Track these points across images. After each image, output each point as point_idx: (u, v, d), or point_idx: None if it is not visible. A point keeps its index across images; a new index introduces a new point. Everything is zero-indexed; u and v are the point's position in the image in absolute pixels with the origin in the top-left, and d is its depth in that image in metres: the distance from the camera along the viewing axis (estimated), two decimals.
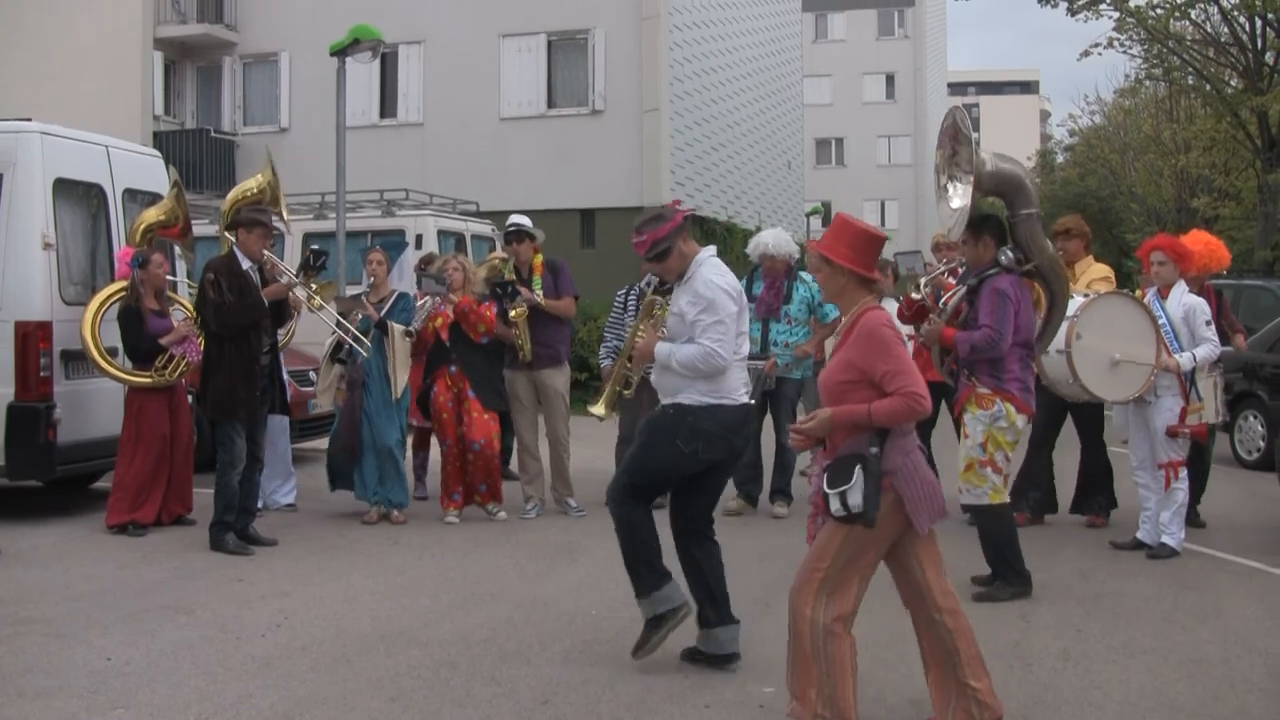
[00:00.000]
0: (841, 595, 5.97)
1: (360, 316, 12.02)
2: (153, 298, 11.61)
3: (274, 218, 11.95)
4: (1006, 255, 9.02)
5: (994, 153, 9.26)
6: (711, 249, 7.52)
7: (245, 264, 10.89)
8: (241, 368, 10.66)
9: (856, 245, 6.09)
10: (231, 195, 12.75)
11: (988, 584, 9.19)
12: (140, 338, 11.42)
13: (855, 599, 6.01)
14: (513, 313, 12.00)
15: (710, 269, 7.33)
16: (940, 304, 9.50)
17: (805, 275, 12.71)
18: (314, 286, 11.70)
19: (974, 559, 9.42)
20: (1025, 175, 9.39)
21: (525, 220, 12.54)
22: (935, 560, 6.11)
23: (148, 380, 11.45)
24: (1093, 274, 11.52)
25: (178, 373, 11.54)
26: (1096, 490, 11.93)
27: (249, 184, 12.70)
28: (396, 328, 11.90)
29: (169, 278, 12.03)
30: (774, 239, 12.56)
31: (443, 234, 19.70)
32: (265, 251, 11.05)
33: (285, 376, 12.11)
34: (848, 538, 5.88)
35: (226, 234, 11.86)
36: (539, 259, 12.42)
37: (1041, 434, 11.78)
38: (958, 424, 9.61)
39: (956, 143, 9.29)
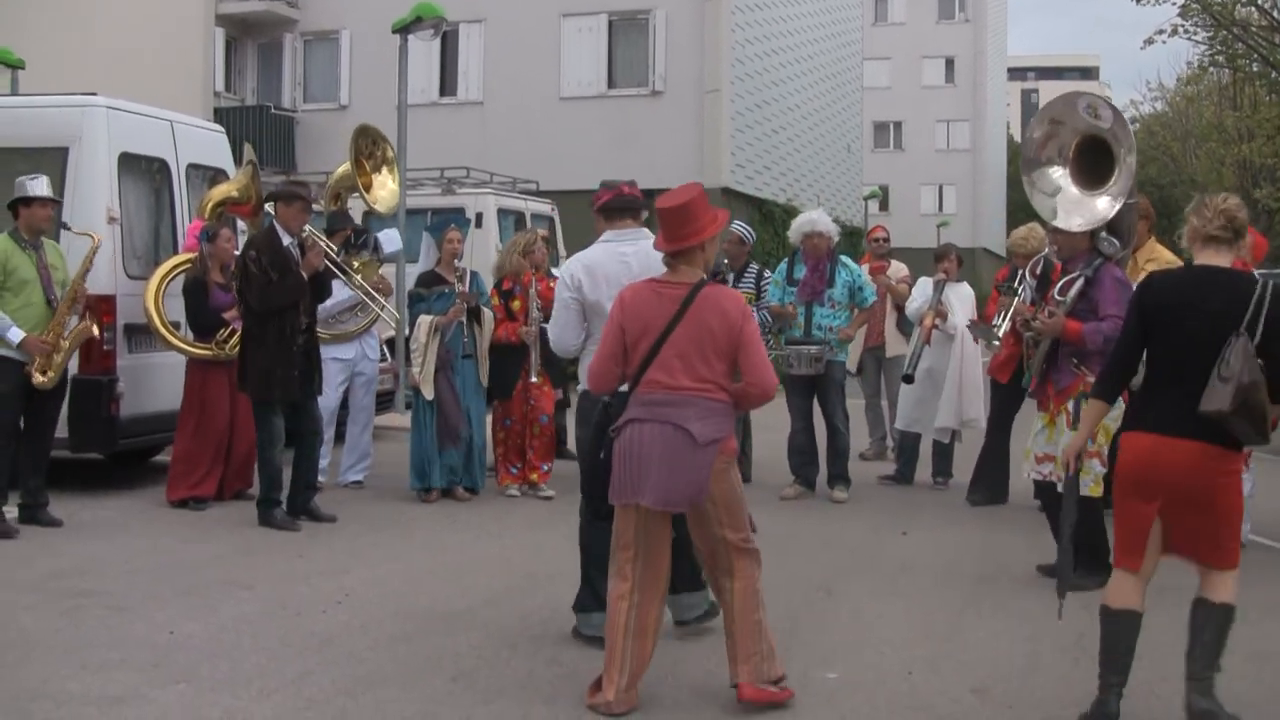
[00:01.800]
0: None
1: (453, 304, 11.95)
2: (218, 272, 11.62)
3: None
4: (1111, 244, 8.90)
5: None
6: (607, 234, 7.57)
7: (286, 240, 10.84)
8: (278, 347, 10.60)
9: None
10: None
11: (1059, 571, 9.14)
12: (204, 310, 11.44)
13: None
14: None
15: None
16: (1057, 296, 9.26)
17: (847, 259, 12.65)
18: (355, 265, 11.71)
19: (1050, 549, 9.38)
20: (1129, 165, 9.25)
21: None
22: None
23: (209, 353, 11.47)
24: (1158, 261, 11.31)
25: (236, 347, 11.56)
26: None
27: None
28: (486, 312, 11.95)
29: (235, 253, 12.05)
30: (819, 217, 12.53)
31: (503, 212, 19.72)
32: (306, 227, 11.01)
33: (369, 352, 12.23)
34: None
35: (267, 211, 11.85)
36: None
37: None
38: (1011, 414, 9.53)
39: (1110, 121, 9.12)
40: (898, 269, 14.75)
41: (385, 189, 13.18)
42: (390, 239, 12.65)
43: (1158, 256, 11.39)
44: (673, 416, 6.16)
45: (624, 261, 7.29)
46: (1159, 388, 6.12)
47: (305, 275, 10.68)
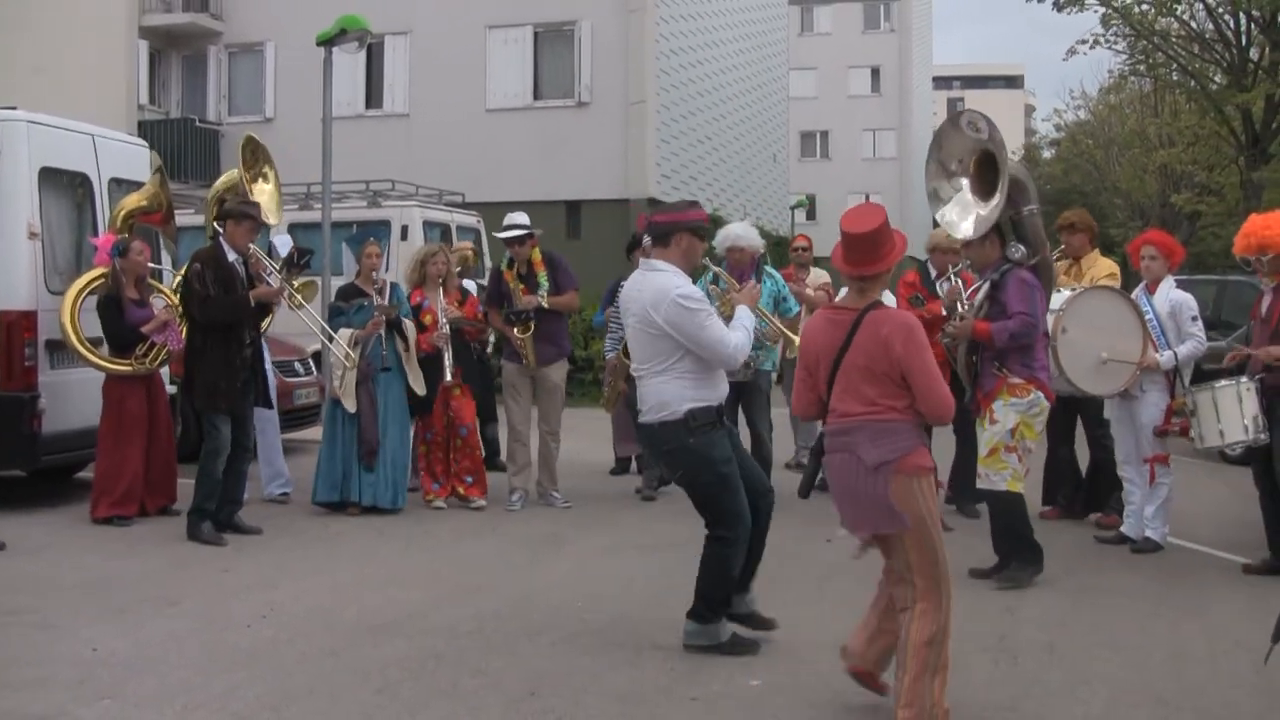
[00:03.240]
0: None
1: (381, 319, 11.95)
2: (133, 286, 11.56)
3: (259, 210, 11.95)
4: (1019, 250, 9.22)
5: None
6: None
7: (231, 256, 10.88)
8: (224, 359, 10.66)
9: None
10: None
11: (999, 571, 9.28)
12: (120, 327, 11.37)
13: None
14: (519, 337, 12.08)
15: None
16: (965, 302, 9.55)
17: (771, 269, 12.73)
18: (295, 284, 11.68)
19: (973, 552, 9.47)
20: (1028, 174, 9.49)
21: (523, 218, 12.48)
22: None
23: (128, 368, 11.40)
24: (1099, 270, 11.46)
25: (158, 361, 11.52)
26: (1114, 487, 11.72)
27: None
28: (408, 323, 11.93)
29: (150, 265, 11.98)
30: (743, 231, 12.58)
31: (428, 225, 19.71)
32: (251, 245, 11.04)
33: (269, 368, 12.15)
34: None
35: (216, 224, 11.81)
36: (538, 254, 12.42)
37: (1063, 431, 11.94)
38: (965, 419, 9.63)
39: (949, 140, 9.35)
40: (817, 276, 14.80)
41: (264, 194, 13.00)
42: (284, 243, 12.64)
43: (1098, 267, 11.54)
44: (847, 444, 6.23)
45: (627, 290, 7.72)
46: None
47: (253, 300, 10.73)
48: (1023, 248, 9.20)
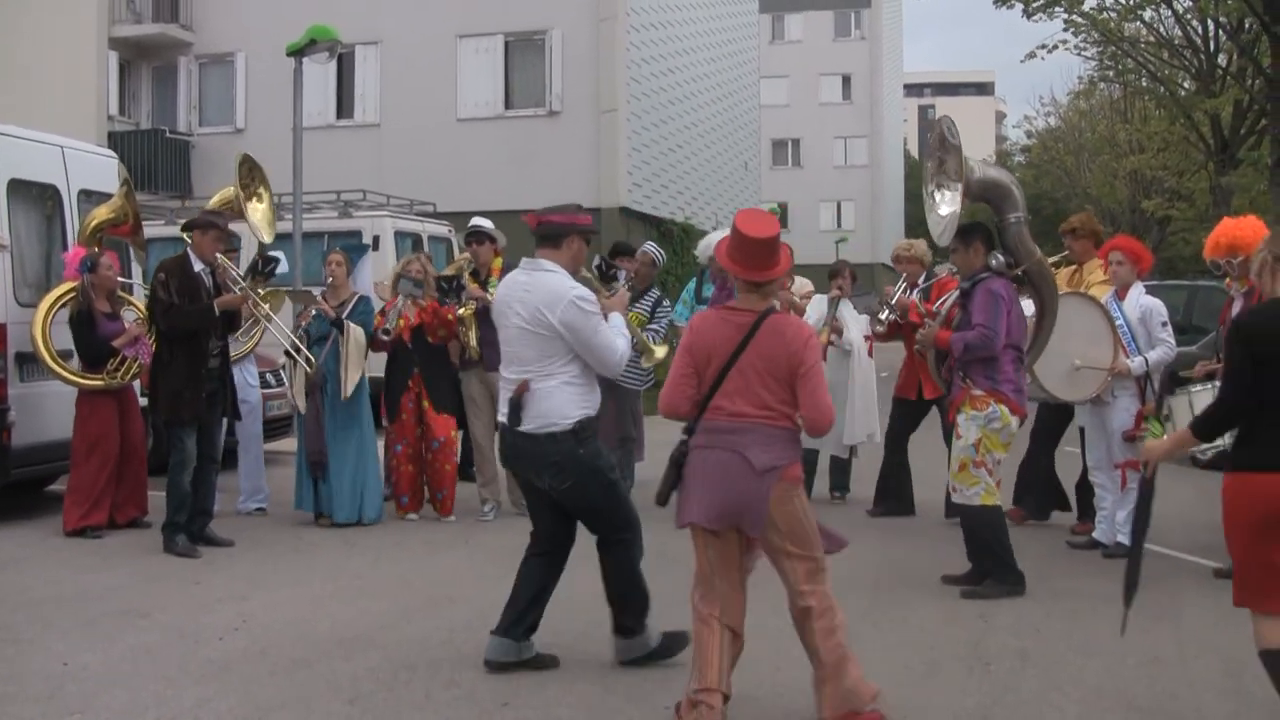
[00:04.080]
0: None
1: (314, 313, 11.95)
2: (104, 300, 11.54)
3: (240, 221, 11.96)
4: (997, 259, 9.12)
5: (982, 160, 9.34)
6: (524, 260, 7.46)
7: (198, 266, 10.84)
8: (189, 370, 10.60)
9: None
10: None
11: (973, 583, 9.26)
12: (92, 342, 11.35)
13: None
14: (461, 310, 12.00)
15: None
16: (934, 309, 9.58)
17: None
18: (261, 293, 11.62)
19: (950, 560, 9.50)
20: (1013, 181, 9.48)
21: (486, 223, 12.51)
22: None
23: (100, 383, 11.38)
24: (1099, 276, 11.44)
25: (130, 375, 11.49)
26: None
27: (226, 193, 12.53)
28: (353, 328, 11.83)
29: (120, 279, 11.94)
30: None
31: (400, 235, 19.68)
32: (218, 254, 11.00)
33: (250, 379, 12.13)
34: None
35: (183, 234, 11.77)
36: (498, 262, 12.40)
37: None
38: (950, 430, 9.62)
39: (944, 151, 9.34)
40: (802, 285, 14.80)
41: (258, 213, 12.98)
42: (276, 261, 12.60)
43: (1097, 273, 11.51)
44: (734, 444, 6.21)
45: (511, 290, 7.32)
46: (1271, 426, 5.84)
47: (218, 309, 10.69)
48: (1000, 256, 9.16)
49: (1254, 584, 5.91)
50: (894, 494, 12.46)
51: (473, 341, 12.10)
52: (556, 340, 7.07)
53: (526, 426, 7.09)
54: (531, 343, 7.12)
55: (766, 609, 8.01)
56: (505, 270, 12.32)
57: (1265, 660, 5.95)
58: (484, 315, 12.09)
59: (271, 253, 12.02)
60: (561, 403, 7.09)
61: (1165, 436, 6.44)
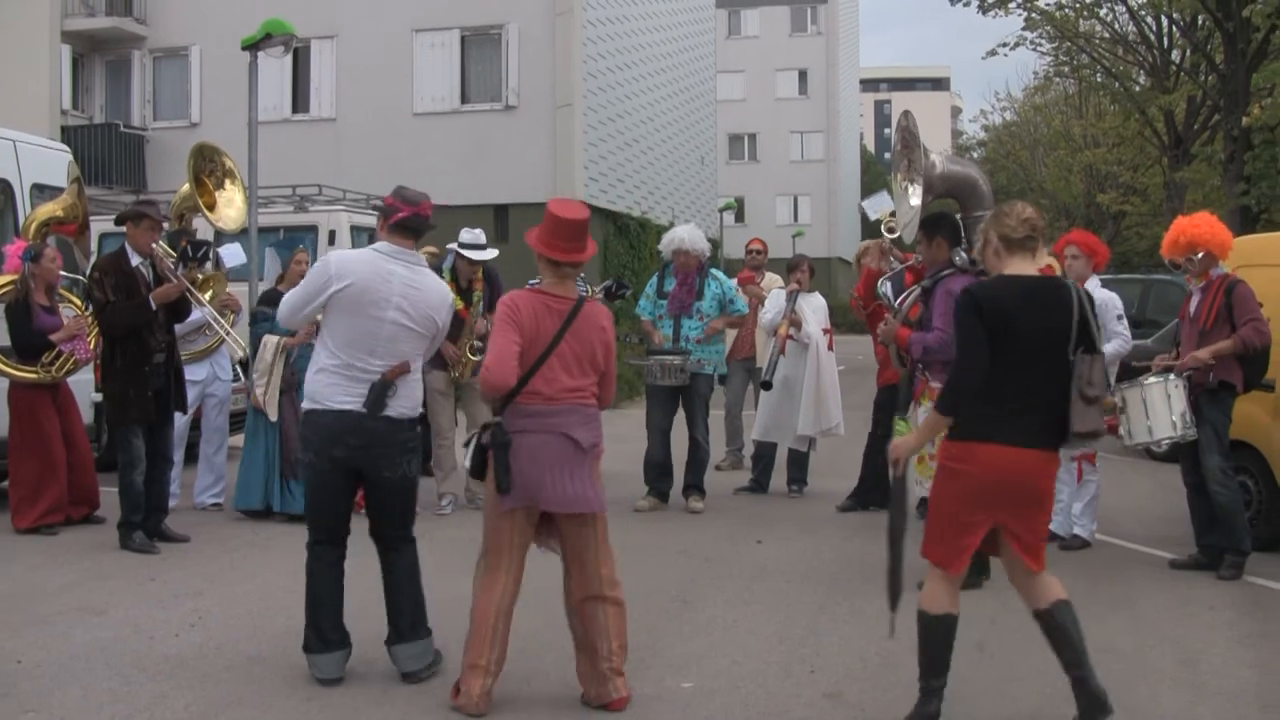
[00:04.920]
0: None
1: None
2: (42, 293, 11.43)
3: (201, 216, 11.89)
4: (960, 256, 9.04)
5: (947, 155, 9.34)
6: (383, 244, 7.11)
7: (135, 260, 10.68)
8: (132, 370, 10.47)
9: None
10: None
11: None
12: (28, 332, 11.23)
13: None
14: (476, 361, 11.91)
15: None
16: (896, 304, 9.57)
17: (717, 272, 12.74)
18: (199, 279, 11.48)
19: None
20: (979, 177, 9.46)
21: (482, 236, 12.31)
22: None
23: (33, 375, 11.26)
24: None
25: (64, 371, 11.38)
26: None
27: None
28: None
29: (65, 274, 11.83)
30: (688, 235, 12.58)
31: (356, 229, 19.56)
32: (154, 245, 10.84)
33: (220, 373, 12.09)
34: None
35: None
36: (480, 271, 12.28)
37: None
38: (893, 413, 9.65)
39: (909, 151, 9.34)
40: (772, 280, 14.84)
41: (233, 206, 12.96)
42: (233, 254, 12.52)
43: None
44: (556, 425, 6.36)
45: (387, 281, 6.91)
46: (1005, 400, 6.03)
47: (154, 303, 10.54)
48: (964, 253, 9.14)
49: (950, 542, 6.14)
50: (862, 487, 12.36)
51: (467, 373, 12.13)
52: (425, 340, 7.08)
53: (395, 412, 6.90)
54: (407, 339, 6.95)
55: (720, 603, 8.03)
56: (486, 279, 12.26)
57: (923, 622, 6.29)
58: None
59: (201, 238, 11.95)
60: (418, 391, 7.17)
61: (913, 430, 6.51)
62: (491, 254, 12.22)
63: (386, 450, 6.89)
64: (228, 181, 13.16)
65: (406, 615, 7.10)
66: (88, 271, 11.39)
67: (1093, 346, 6.08)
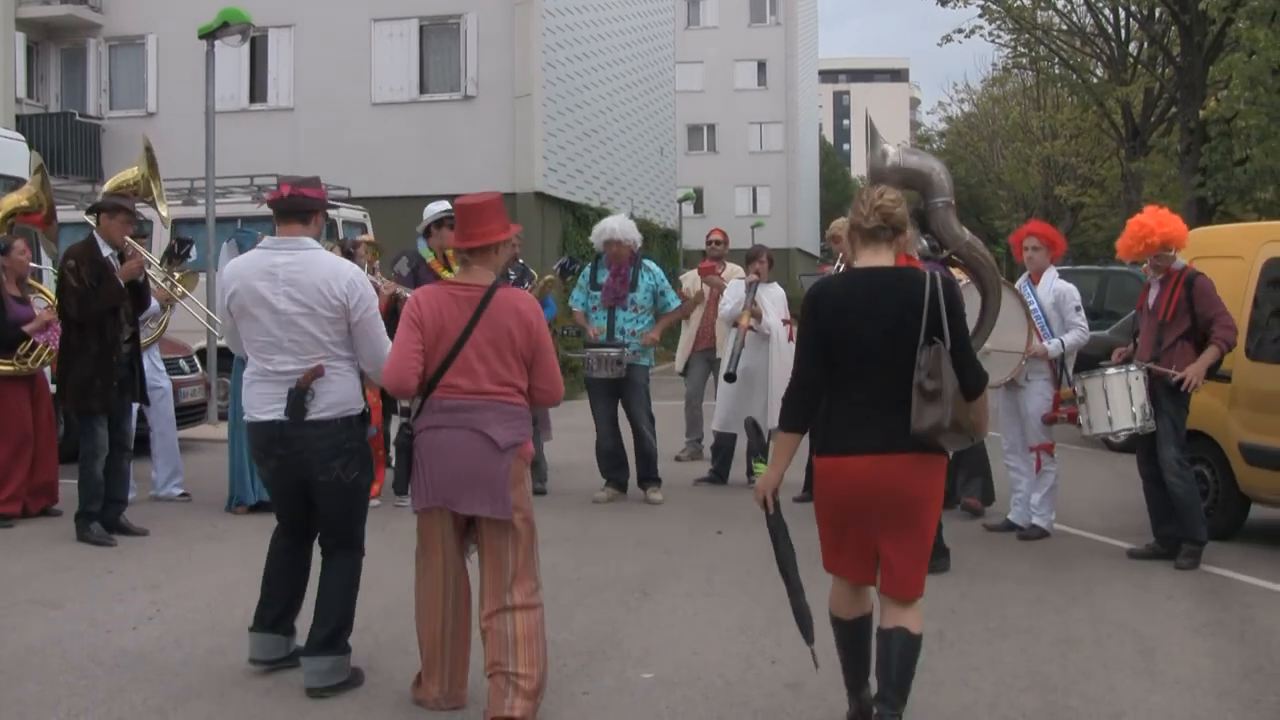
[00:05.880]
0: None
1: None
2: (14, 284, 11.40)
3: (150, 207, 11.79)
4: (921, 243, 9.08)
5: (903, 147, 9.33)
6: (267, 240, 6.98)
7: (106, 251, 10.63)
8: (99, 357, 10.42)
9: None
10: (109, 186, 12.39)
11: None
12: (2, 325, 11.20)
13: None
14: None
15: None
16: None
17: (650, 263, 12.71)
18: (177, 276, 11.50)
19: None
20: (935, 167, 9.41)
21: (446, 205, 12.25)
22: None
23: (10, 368, 11.24)
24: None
25: (40, 361, 11.34)
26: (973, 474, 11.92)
27: (125, 175, 12.36)
28: None
29: (32, 265, 11.78)
30: (619, 225, 12.58)
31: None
32: (127, 238, 10.82)
33: (158, 364, 12.01)
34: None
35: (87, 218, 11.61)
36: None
37: None
38: None
39: (875, 146, 9.37)
40: (733, 271, 14.85)
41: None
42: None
43: None
44: (472, 421, 6.15)
45: (270, 274, 6.69)
46: (854, 405, 5.71)
47: (123, 282, 10.49)
48: (925, 240, 9.15)
49: (831, 552, 6.00)
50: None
51: None
52: (340, 322, 6.70)
53: (318, 414, 6.67)
54: (309, 323, 6.66)
55: (680, 594, 8.04)
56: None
57: (835, 628, 6.07)
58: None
59: (184, 237, 11.92)
60: (352, 387, 6.84)
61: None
62: (445, 205, 12.08)
63: (316, 455, 6.70)
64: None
65: (324, 628, 6.80)
66: (57, 260, 11.32)
67: (941, 337, 5.62)
